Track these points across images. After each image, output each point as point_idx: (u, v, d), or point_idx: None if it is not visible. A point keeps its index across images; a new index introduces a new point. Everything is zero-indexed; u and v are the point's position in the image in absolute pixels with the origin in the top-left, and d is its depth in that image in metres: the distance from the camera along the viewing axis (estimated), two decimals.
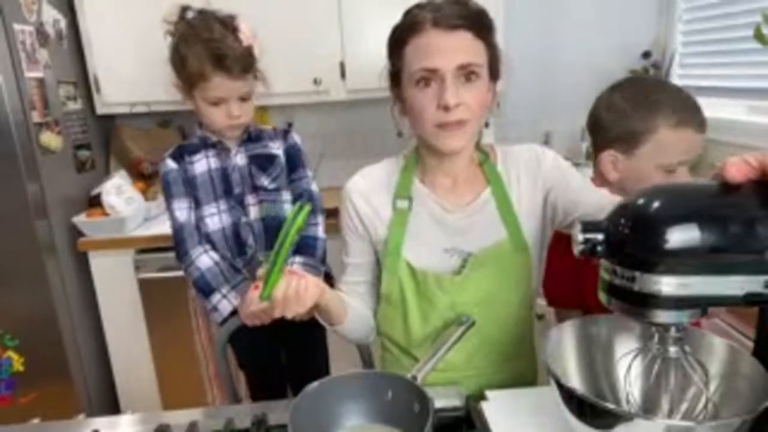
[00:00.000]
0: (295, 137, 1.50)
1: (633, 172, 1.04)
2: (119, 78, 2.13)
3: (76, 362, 1.98)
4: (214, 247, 1.41)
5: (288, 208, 1.44)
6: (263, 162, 1.43)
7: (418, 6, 0.91)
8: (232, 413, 0.87)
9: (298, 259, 1.39)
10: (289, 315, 0.85)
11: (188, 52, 1.28)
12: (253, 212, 1.42)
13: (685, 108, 1.01)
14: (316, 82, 2.16)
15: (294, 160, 1.47)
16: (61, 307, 1.90)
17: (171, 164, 1.40)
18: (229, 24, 1.32)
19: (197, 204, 1.40)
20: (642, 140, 1.01)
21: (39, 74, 1.86)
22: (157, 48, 2.08)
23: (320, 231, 1.46)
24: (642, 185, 1.00)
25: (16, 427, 0.90)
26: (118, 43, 2.09)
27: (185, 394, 2.09)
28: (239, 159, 1.42)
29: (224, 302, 1.37)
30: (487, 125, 1.00)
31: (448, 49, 0.87)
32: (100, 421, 0.89)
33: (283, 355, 1.61)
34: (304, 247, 1.40)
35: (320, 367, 1.64)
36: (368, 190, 1.02)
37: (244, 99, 1.34)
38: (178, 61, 1.31)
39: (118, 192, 2.00)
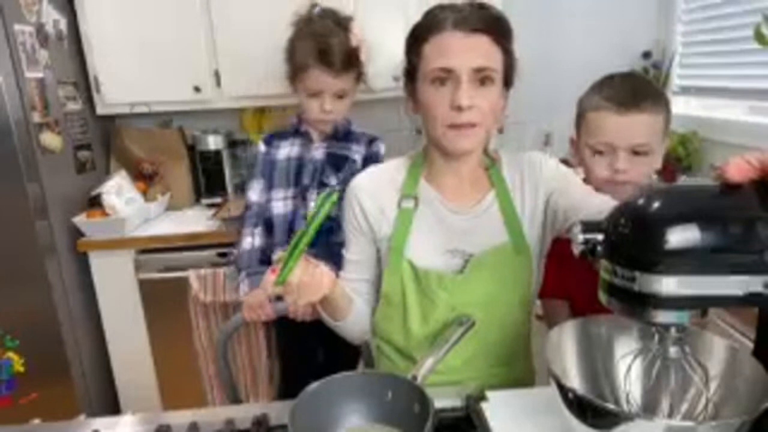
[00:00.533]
0: (380, 147, 1.55)
1: (579, 154, 1.13)
2: (119, 78, 2.13)
3: (76, 362, 1.98)
4: (271, 231, 1.49)
5: None
6: (339, 162, 1.49)
7: (439, 7, 0.93)
8: (232, 413, 0.87)
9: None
10: (301, 302, 0.85)
11: (298, 43, 1.39)
12: (312, 207, 1.47)
13: (615, 92, 1.06)
14: None
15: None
16: (61, 307, 1.90)
17: (261, 147, 1.54)
18: (342, 23, 1.41)
19: (270, 186, 1.50)
20: (579, 121, 1.11)
21: (39, 74, 1.86)
22: (157, 48, 2.10)
23: None
24: (585, 168, 1.10)
25: (17, 428, 0.90)
26: (118, 43, 2.09)
27: (185, 394, 2.09)
28: (318, 153, 1.49)
29: (243, 284, 1.45)
30: (501, 131, 1.01)
31: (466, 50, 0.88)
32: (100, 422, 0.89)
33: (321, 354, 1.64)
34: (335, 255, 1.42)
35: (351, 363, 1.65)
36: (374, 188, 1.02)
37: (339, 96, 1.41)
38: (289, 51, 1.42)
39: (119, 192, 2.00)
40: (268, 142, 1.53)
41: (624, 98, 1.04)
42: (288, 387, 1.67)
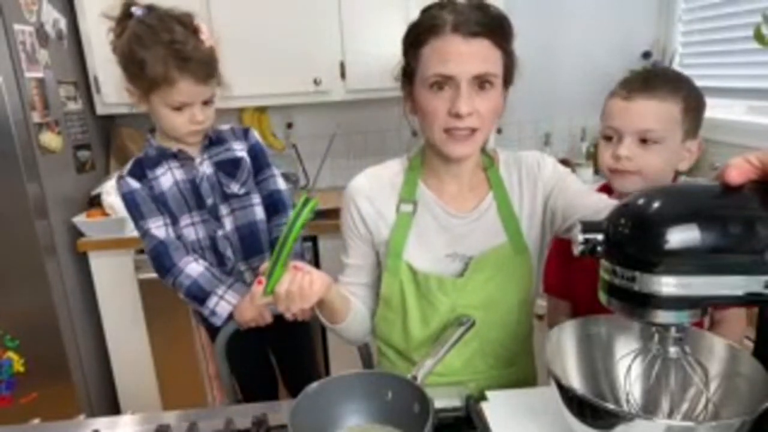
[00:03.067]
0: (256, 136, 1.44)
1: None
2: (119, 78, 2.11)
3: (76, 362, 1.98)
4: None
5: (258, 210, 1.40)
6: (230, 167, 1.36)
7: (438, 5, 0.90)
8: (232, 413, 0.87)
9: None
10: (293, 310, 0.85)
11: (147, 54, 1.17)
12: (228, 223, 1.37)
13: (632, 78, 1.07)
14: (316, 82, 2.17)
15: (258, 161, 1.42)
16: (61, 307, 1.90)
17: (133, 183, 1.30)
18: (188, 24, 1.24)
19: (172, 220, 1.33)
20: (603, 118, 1.09)
21: (39, 74, 1.86)
22: None
23: None
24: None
25: (17, 428, 0.90)
26: None
27: (185, 394, 2.09)
28: (206, 167, 1.34)
29: (222, 303, 1.33)
30: (499, 131, 1.00)
31: (466, 56, 0.86)
32: (100, 422, 0.89)
33: (273, 357, 1.60)
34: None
35: (311, 365, 1.63)
36: (372, 191, 1.01)
37: (206, 103, 1.27)
38: (134, 64, 1.19)
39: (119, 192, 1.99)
40: (139, 175, 1.31)
41: (634, 83, 1.02)
42: (247, 397, 1.59)
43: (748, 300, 0.56)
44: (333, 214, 1.71)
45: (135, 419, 0.89)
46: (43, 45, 1.90)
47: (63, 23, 2.04)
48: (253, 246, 1.39)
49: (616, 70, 2.48)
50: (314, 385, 0.77)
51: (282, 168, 2.59)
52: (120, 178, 1.32)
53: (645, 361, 0.68)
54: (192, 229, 1.35)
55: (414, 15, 0.94)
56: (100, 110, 2.19)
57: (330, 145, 2.44)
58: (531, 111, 2.46)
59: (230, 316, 1.34)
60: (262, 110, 2.45)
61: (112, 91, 2.14)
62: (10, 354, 1.87)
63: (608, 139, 1.05)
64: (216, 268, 1.37)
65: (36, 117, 1.83)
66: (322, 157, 2.57)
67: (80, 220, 1.97)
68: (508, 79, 0.94)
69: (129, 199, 1.31)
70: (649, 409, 0.72)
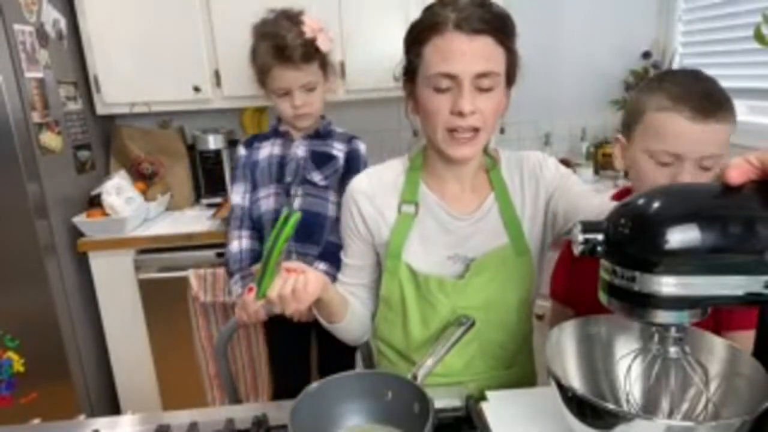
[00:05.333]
0: (360, 145, 1.55)
1: (631, 160, 0.99)
2: (119, 78, 2.13)
3: (76, 362, 1.98)
4: (261, 230, 1.49)
5: (330, 208, 1.48)
6: (321, 159, 1.49)
7: (441, 3, 0.88)
8: (232, 413, 0.87)
9: (321, 266, 1.42)
10: (288, 312, 0.85)
11: (258, 47, 1.39)
12: (297, 203, 1.47)
13: (683, 93, 0.90)
14: None
15: (351, 165, 1.51)
16: (61, 307, 1.90)
17: (242, 150, 1.54)
18: (294, 18, 1.40)
19: (255, 186, 1.50)
20: (634, 121, 0.96)
21: (39, 74, 1.86)
22: (157, 48, 2.10)
23: None
24: (637, 174, 0.97)
25: (17, 428, 0.90)
26: (118, 43, 2.09)
27: (185, 394, 2.09)
28: (300, 150, 1.49)
29: (236, 286, 1.46)
30: (502, 131, 1.00)
31: (469, 54, 0.85)
32: (101, 422, 0.89)
33: (316, 352, 1.65)
34: (331, 255, 1.37)
35: (349, 362, 1.64)
36: (373, 192, 1.01)
37: (308, 89, 1.41)
38: (252, 57, 1.42)
39: (118, 192, 2.00)
40: (249, 144, 1.54)
41: (698, 103, 0.88)
42: (280, 388, 1.67)
43: (748, 300, 0.56)
44: None
45: (135, 419, 0.89)
46: (43, 45, 1.90)
47: (63, 23, 2.04)
48: (313, 234, 1.46)
49: (616, 70, 2.50)
50: (314, 385, 0.77)
51: None
52: (238, 142, 1.56)
53: (645, 361, 0.68)
54: (266, 200, 1.49)
55: (414, 15, 0.93)
56: (100, 110, 2.19)
57: None
58: (531, 111, 2.46)
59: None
60: (262, 110, 2.45)
61: (112, 91, 2.15)
62: (10, 354, 1.87)
63: (662, 163, 0.92)
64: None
65: (36, 117, 1.83)
66: None
67: (80, 220, 1.97)
68: (511, 78, 0.93)
69: (235, 162, 1.57)
70: (649, 409, 0.72)
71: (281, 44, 1.34)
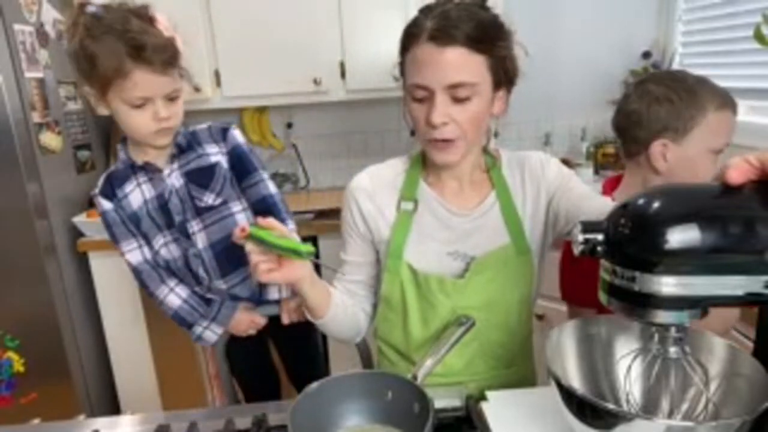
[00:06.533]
0: (237, 136, 1.30)
1: (683, 160, 1.06)
2: None
3: (76, 362, 1.98)
4: (178, 277, 1.32)
5: (240, 219, 1.28)
6: (202, 176, 1.25)
7: (424, 10, 0.89)
8: (232, 413, 0.87)
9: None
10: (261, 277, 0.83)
11: (98, 48, 1.08)
12: (200, 240, 1.26)
13: (721, 91, 1.03)
14: (316, 82, 2.17)
15: (242, 164, 1.29)
16: (61, 307, 1.90)
17: (105, 204, 1.23)
18: (144, 15, 1.14)
19: (146, 238, 1.27)
20: (693, 125, 1.03)
21: (39, 74, 1.86)
22: None
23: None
24: (693, 172, 1.04)
25: (17, 428, 0.90)
26: None
27: (185, 394, 2.09)
28: (174, 179, 1.24)
29: (207, 332, 1.32)
30: (496, 135, 1.00)
31: (440, 66, 0.85)
32: (100, 422, 0.89)
33: (277, 354, 1.59)
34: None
35: (316, 358, 1.60)
36: (373, 189, 1.01)
37: (171, 98, 1.16)
38: (86, 60, 1.09)
39: None
40: (109, 194, 1.23)
41: (732, 99, 1.05)
42: (248, 397, 1.60)
43: (748, 300, 0.56)
44: (333, 214, 1.71)
45: (135, 419, 0.89)
46: (43, 45, 1.90)
47: (63, 23, 2.04)
48: (232, 262, 1.28)
49: (616, 70, 2.50)
50: (314, 385, 0.77)
51: (282, 168, 2.61)
52: (95, 196, 1.25)
53: (645, 361, 0.68)
54: (166, 249, 1.28)
55: (414, 15, 0.93)
56: (100, 110, 2.18)
57: None
58: (531, 111, 2.46)
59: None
60: (262, 110, 2.45)
61: None
62: (10, 354, 1.87)
63: (718, 153, 1.05)
64: (196, 286, 1.34)
65: (36, 117, 1.83)
66: (321, 156, 2.57)
67: (80, 220, 1.97)
68: (503, 81, 0.91)
69: (103, 220, 1.25)
70: (649, 409, 0.72)
71: (139, 43, 1.07)
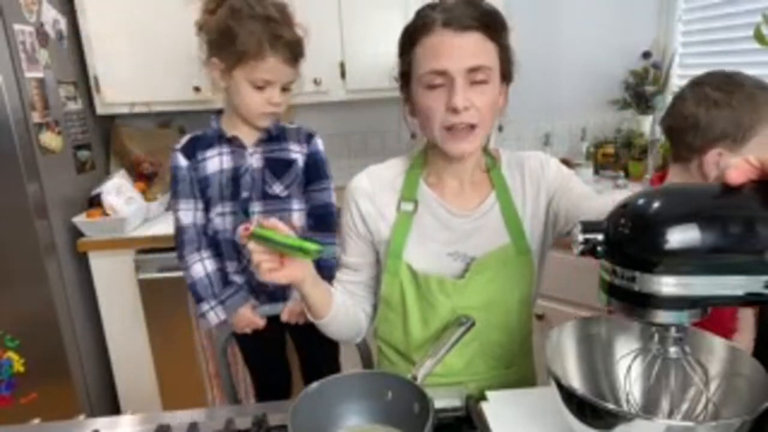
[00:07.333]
0: (319, 144, 1.42)
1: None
2: (119, 78, 2.13)
3: (76, 362, 1.98)
4: (219, 249, 1.37)
5: (296, 216, 1.37)
6: (279, 167, 1.35)
7: (429, 6, 0.90)
8: (232, 413, 0.87)
9: None
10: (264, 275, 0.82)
11: (241, 28, 1.20)
12: (256, 222, 1.36)
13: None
14: (316, 82, 2.16)
15: (316, 169, 1.39)
16: (61, 307, 1.90)
17: (181, 161, 1.32)
18: (284, 11, 1.28)
19: (208, 204, 1.34)
20: (752, 134, 0.98)
21: (39, 74, 1.86)
22: (157, 48, 2.10)
23: (338, 251, 1.38)
24: None
25: (17, 428, 0.90)
26: (118, 43, 2.09)
27: (185, 394, 2.09)
28: (254, 160, 1.34)
29: (211, 314, 1.37)
30: (500, 129, 0.99)
31: (459, 50, 0.86)
32: (100, 422, 0.89)
33: (293, 350, 1.62)
34: (322, 269, 1.33)
35: (333, 360, 1.62)
36: (373, 190, 1.01)
37: (285, 88, 1.30)
38: (223, 35, 1.22)
39: (118, 192, 2.00)
40: (189, 154, 1.33)
41: None
42: (262, 389, 1.63)
43: (748, 300, 0.56)
44: None
45: (135, 419, 0.89)
46: (43, 45, 1.90)
47: (63, 23, 2.04)
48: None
49: (616, 70, 2.50)
50: (314, 385, 0.77)
51: None
52: (172, 148, 1.35)
53: (645, 361, 0.68)
54: (221, 219, 1.34)
55: (413, 15, 0.94)
56: (100, 110, 2.19)
57: None
58: (531, 111, 2.46)
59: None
60: None
61: (112, 90, 2.15)
62: (10, 354, 1.87)
63: None
64: (232, 261, 1.38)
65: (36, 117, 1.83)
66: None
67: (80, 220, 1.97)
68: (506, 74, 0.93)
69: (173, 174, 1.34)
70: (649, 409, 0.72)
71: (279, 33, 1.21)
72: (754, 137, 0.98)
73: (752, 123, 0.97)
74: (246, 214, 1.33)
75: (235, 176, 1.32)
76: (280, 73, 1.25)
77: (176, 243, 1.37)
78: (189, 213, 1.34)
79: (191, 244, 1.35)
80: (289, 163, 1.36)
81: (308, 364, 1.60)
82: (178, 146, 1.34)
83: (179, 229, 1.35)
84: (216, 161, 1.33)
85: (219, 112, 1.37)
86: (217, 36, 1.24)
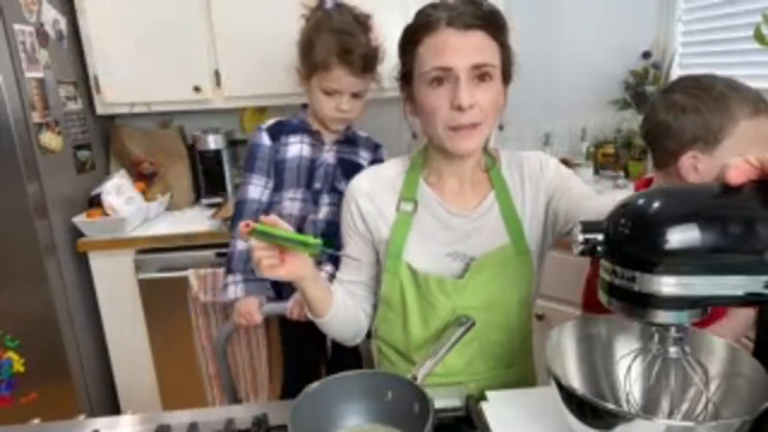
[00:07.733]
0: (383, 154, 1.53)
1: (715, 171, 1.00)
2: (119, 78, 2.13)
3: (76, 362, 1.98)
4: None
5: None
6: (348, 167, 1.46)
7: (432, 6, 0.91)
8: (232, 413, 0.87)
9: (328, 268, 1.42)
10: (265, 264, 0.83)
11: (317, 39, 1.32)
12: (323, 212, 1.45)
13: (753, 96, 0.97)
14: None
15: None
16: (61, 307, 1.90)
17: (266, 139, 1.43)
18: (363, 21, 1.37)
19: (280, 186, 1.44)
20: (724, 135, 0.97)
21: (39, 74, 1.86)
22: (157, 48, 2.10)
23: None
24: None
25: (17, 428, 0.90)
26: (118, 43, 2.09)
27: (185, 394, 2.09)
28: (330, 156, 1.46)
29: (232, 287, 1.41)
30: (501, 128, 1.00)
31: (463, 48, 0.86)
32: (101, 422, 0.88)
33: (328, 352, 1.66)
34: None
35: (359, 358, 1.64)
36: (373, 190, 1.01)
37: (355, 95, 1.38)
38: (306, 45, 1.36)
39: (118, 192, 2.00)
40: (274, 135, 1.44)
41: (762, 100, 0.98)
42: (291, 383, 1.66)
43: (748, 300, 0.56)
44: None
45: (135, 419, 0.89)
46: (43, 45, 1.90)
47: (63, 23, 2.04)
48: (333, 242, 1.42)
49: (616, 70, 2.50)
50: (314, 385, 0.77)
51: None
52: (259, 128, 1.46)
53: (645, 361, 0.68)
54: (291, 203, 1.45)
55: (413, 15, 0.94)
56: (100, 110, 2.19)
57: None
58: (531, 111, 2.46)
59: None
60: (262, 110, 2.45)
61: (112, 91, 2.15)
62: (10, 354, 1.87)
63: None
64: None
65: (36, 117, 1.83)
66: None
67: (80, 220, 1.97)
68: (507, 74, 0.94)
69: (253, 149, 1.44)
70: (649, 409, 0.72)
71: (349, 47, 1.31)
72: (726, 137, 0.97)
73: (723, 124, 0.96)
74: (315, 203, 1.45)
75: (311, 167, 1.44)
76: (347, 83, 1.35)
77: (234, 211, 1.45)
78: (258, 189, 1.43)
79: (247, 218, 1.38)
80: (358, 167, 1.45)
81: (334, 362, 1.65)
82: (264, 126, 1.45)
83: (243, 200, 1.43)
84: (297, 148, 1.44)
85: (305, 106, 1.48)
86: (302, 45, 1.38)
